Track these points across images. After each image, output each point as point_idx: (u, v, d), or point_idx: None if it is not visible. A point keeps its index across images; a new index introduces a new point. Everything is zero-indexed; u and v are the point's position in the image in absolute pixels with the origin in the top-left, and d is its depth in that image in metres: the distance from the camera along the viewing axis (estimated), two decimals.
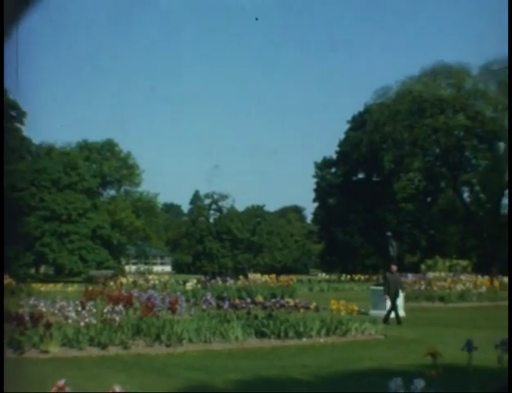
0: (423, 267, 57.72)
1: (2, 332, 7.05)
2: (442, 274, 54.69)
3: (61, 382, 5.22)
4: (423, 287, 46.87)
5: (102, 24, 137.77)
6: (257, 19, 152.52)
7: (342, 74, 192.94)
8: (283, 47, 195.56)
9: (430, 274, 55.41)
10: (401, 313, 29.84)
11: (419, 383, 5.63)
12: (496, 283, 50.36)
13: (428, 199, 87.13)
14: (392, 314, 27.15)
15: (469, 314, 28.71)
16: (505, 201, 74.24)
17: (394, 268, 28.75)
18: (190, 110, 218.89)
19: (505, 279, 54.01)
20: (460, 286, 45.62)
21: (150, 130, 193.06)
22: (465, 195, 74.98)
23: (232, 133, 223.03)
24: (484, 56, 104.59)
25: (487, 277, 54.71)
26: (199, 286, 45.46)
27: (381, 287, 31.42)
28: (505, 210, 74.85)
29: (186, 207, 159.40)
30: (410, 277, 56.28)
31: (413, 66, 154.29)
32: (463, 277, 53.36)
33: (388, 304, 30.11)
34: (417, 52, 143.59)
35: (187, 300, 22.98)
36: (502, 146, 69.57)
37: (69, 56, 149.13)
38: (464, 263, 65.73)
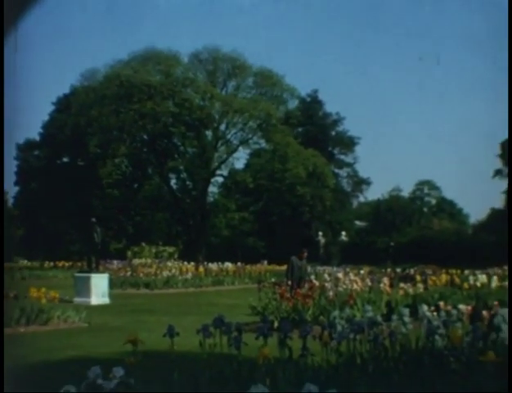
0: (129, 253, 57.82)
1: (2, 331, 6.13)
2: (149, 261, 55.17)
3: None
4: (128, 274, 47.12)
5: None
6: None
7: (46, 57, 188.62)
8: None
9: (136, 261, 55.72)
10: (106, 300, 29.48)
11: (118, 372, 5.58)
12: (201, 269, 51.76)
13: (135, 185, 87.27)
14: None
15: (174, 300, 28.93)
16: (212, 188, 76.38)
17: (305, 253, 25.66)
18: None
19: (210, 265, 55.77)
20: (166, 273, 46.32)
21: None
22: (172, 182, 75.87)
23: None
24: (194, 45, 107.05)
25: (192, 264, 56.03)
26: None
27: (85, 274, 30.69)
28: (210, 198, 76.98)
29: None
30: (116, 263, 56.44)
31: (123, 50, 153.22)
32: (169, 263, 54.21)
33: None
34: (128, 37, 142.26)
35: None
36: (209, 134, 71.38)
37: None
38: (170, 249, 66.72)
